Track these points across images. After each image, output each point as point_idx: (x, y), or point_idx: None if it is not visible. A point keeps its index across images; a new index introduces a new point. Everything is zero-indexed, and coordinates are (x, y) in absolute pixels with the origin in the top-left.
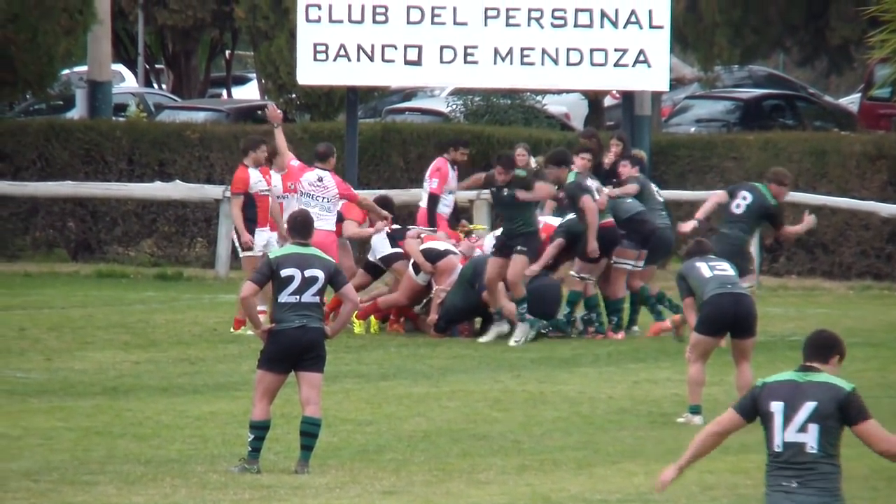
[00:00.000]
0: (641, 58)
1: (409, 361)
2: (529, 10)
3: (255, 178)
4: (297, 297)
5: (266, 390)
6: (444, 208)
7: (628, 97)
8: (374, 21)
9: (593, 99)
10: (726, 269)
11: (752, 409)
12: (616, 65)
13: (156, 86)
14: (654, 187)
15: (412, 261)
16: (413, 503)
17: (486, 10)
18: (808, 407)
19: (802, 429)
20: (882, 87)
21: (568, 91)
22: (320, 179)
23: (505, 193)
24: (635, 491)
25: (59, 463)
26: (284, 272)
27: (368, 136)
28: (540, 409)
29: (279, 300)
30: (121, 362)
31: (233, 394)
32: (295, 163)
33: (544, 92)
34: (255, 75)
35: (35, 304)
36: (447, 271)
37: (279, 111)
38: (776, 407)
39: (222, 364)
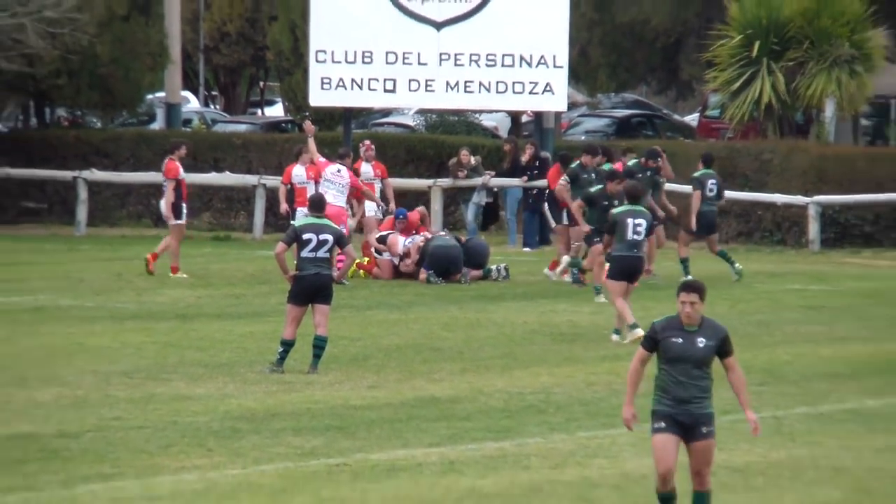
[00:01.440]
0: (547, 88)
1: (387, 297)
2: (470, 55)
3: (298, 172)
4: (314, 253)
5: (293, 318)
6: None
7: (538, 115)
8: (363, 62)
9: (514, 116)
10: (641, 231)
11: (653, 343)
12: (530, 93)
13: (211, 106)
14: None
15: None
16: (389, 395)
17: (441, 54)
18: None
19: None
20: (714, 109)
21: (497, 111)
22: (339, 171)
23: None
24: (542, 387)
25: (145, 366)
26: (305, 236)
27: (357, 142)
28: (476, 330)
29: (301, 255)
30: (188, 297)
31: (266, 319)
32: (322, 159)
33: (480, 111)
34: (280, 99)
35: (128, 257)
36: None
37: (313, 126)
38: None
39: (258, 299)
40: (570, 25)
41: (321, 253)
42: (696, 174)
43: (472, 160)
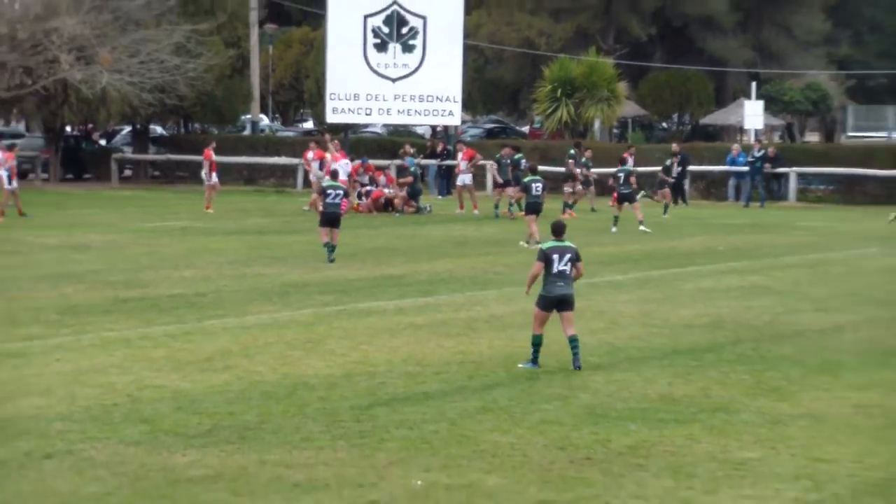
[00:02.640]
0: (450, 112)
1: (366, 222)
2: (410, 95)
3: (310, 157)
4: (332, 200)
5: (323, 233)
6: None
7: (445, 127)
8: (354, 99)
9: (433, 128)
10: (540, 189)
11: (545, 258)
12: (441, 115)
13: (275, 122)
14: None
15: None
16: (368, 274)
17: (395, 95)
18: (567, 254)
19: (564, 263)
20: (536, 124)
21: (423, 125)
22: (346, 163)
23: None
24: (448, 269)
25: (240, 259)
26: (328, 191)
27: (352, 142)
28: (414, 240)
29: (325, 200)
30: (263, 222)
31: (306, 234)
32: (337, 154)
33: (415, 125)
34: (311, 118)
35: (222, 200)
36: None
37: (335, 140)
38: (555, 256)
39: (302, 223)
40: (462, 79)
41: (335, 200)
42: (525, 179)
43: (411, 151)
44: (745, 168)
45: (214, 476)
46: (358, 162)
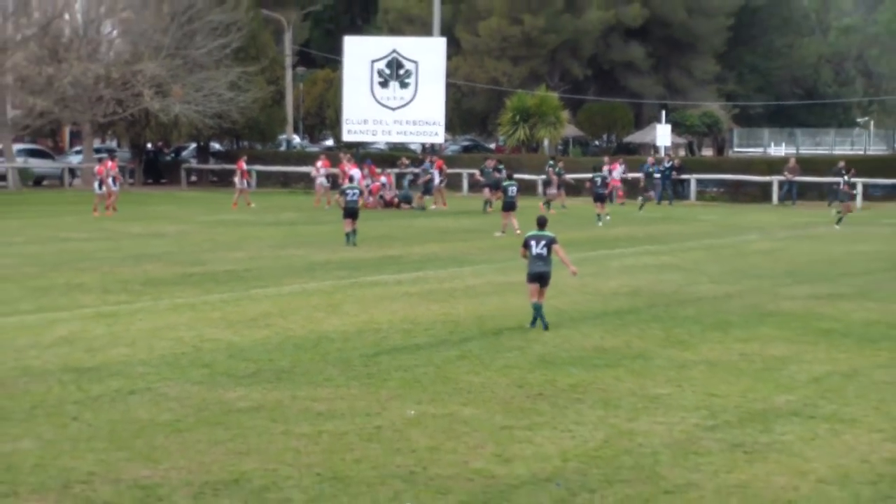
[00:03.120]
0: (436, 133)
1: (371, 216)
2: (406, 120)
3: (319, 167)
4: (352, 197)
5: (346, 223)
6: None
7: (432, 144)
8: (364, 123)
9: (423, 145)
10: (514, 191)
11: (526, 244)
12: (428, 135)
13: (305, 140)
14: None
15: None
16: (373, 255)
17: (394, 120)
18: (542, 241)
19: (541, 248)
20: (502, 142)
21: (415, 142)
22: (358, 171)
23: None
24: (432, 251)
25: (278, 243)
26: (348, 191)
27: (362, 155)
28: (407, 230)
29: (347, 198)
30: (294, 216)
31: (333, 225)
32: (350, 164)
33: (409, 142)
34: (331, 137)
35: (263, 199)
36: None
37: (348, 154)
38: (532, 242)
39: (330, 215)
40: (445, 108)
41: (354, 197)
42: (504, 183)
43: (406, 162)
44: (658, 175)
45: (258, 407)
46: (364, 164)
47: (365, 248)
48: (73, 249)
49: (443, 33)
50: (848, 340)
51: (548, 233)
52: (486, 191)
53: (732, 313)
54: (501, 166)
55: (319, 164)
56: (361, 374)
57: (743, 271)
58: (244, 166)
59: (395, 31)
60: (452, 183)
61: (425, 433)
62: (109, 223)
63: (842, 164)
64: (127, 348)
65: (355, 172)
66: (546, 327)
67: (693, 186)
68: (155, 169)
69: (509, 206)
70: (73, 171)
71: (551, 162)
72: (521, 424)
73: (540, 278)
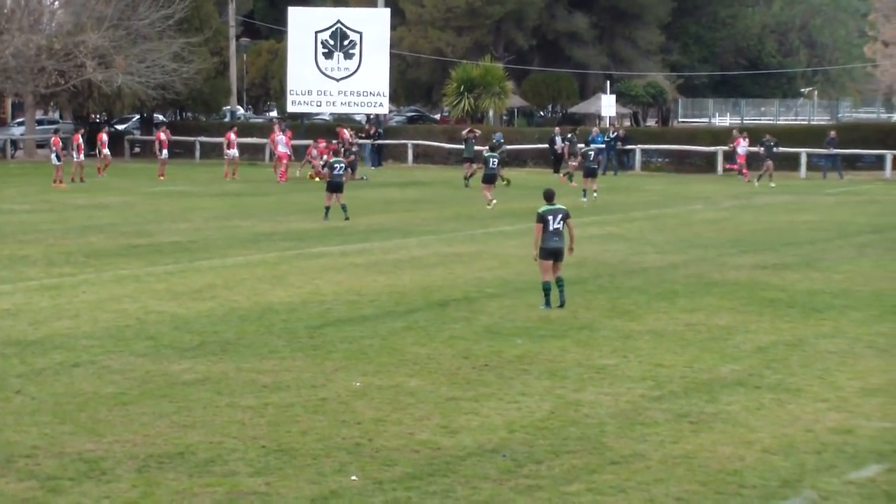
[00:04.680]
0: (380, 104)
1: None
2: (350, 91)
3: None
4: (338, 172)
5: (328, 198)
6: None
7: (377, 115)
8: (307, 94)
9: (367, 115)
10: (495, 162)
11: (542, 219)
12: (373, 106)
13: (249, 111)
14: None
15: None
16: (333, 228)
17: (338, 91)
18: (559, 215)
19: (558, 222)
20: (446, 112)
21: (360, 113)
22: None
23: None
24: (397, 221)
25: (222, 214)
26: (335, 165)
27: (308, 126)
28: (358, 201)
29: (333, 172)
30: (238, 186)
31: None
32: (281, 133)
33: (354, 113)
34: (275, 108)
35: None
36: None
37: (278, 121)
38: (550, 216)
39: (270, 186)
40: (389, 79)
41: (340, 171)
42: (485, 154)
43: (347, 134)
44: (603, 145)
45: (203, 380)
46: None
47: (310, 219)
48: (16, 221)
49: (387, 4)
50: (792, 310)
51: (560, 206)
52: (466, 164)
53: (678, 283)
54: (499, 137)
55: (232, 135)
56: (307, 345)
57: (688, 241)
58: (232, 137)
59: (339, 1)
60: (397, 154)
61: (371, 405)
62: (52, 195)
63: (767, 137)
64: (71, 321)
65: (281, 139)
66: (563, 304)
67: (638, 157)
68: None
69: (489, 179)
70: (14, 143)
71: (569, 135)
72: (468, 396)
73: (556, 254)
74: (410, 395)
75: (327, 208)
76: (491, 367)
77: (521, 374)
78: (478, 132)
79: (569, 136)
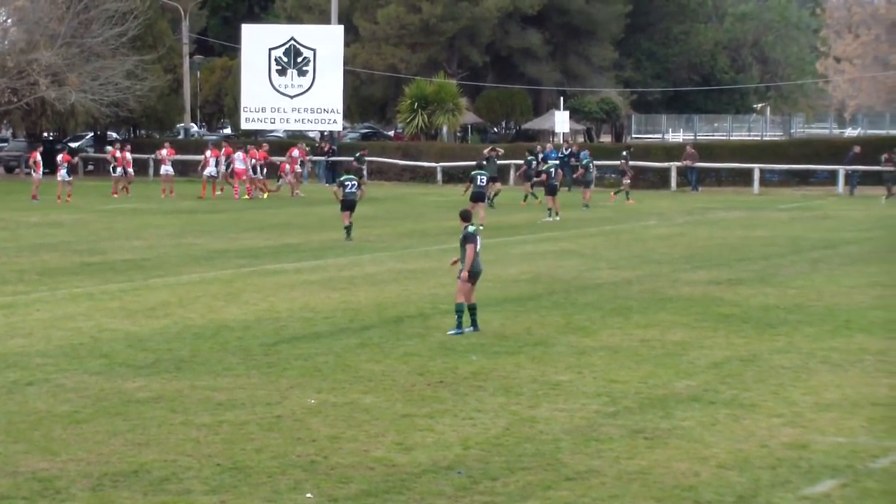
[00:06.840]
0: (334, 121)
1: (280, 203)
2: (304, 108)
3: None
4: (350, 189)
5: (343, 216)
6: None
7: (331, 132)
8: (261, 111)
9: (321, 132)
10: (484, 180)
11: (473, 239)
12: (327, 123)
13: (202, 128)
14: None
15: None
16: (303, 241)
17: (292, 108)
18: (478, 236)
19: (479, 244)
20: (400, 129)
21: (314, 130)
22: (239, 156)
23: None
24: (361, 233)
25: (181, 231)
26: (346, 182)
27: (257, 144)
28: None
29: (345, 190)
30: (192, 204)
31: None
32: (215, 148)
33: (308, 130)
34: (229, 125)
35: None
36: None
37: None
38: (478, 237)
39: (224, 203)
40: (343, 96)
41: (353, 189)
42: (473, 172)
43: (306, 147)
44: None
45: (157, 398)
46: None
47: (263, 236)
48: None
49: (341, 21)
50: (747, 326)
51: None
52: (489, 184)
53: (632, 299)
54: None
55: (164, 151)
56: (261, 363)
57: (642, 257)
58: (220, 154)
59: (293, 19)
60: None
61: (326, 422)
62: (4, 213)
63: (624, 152)
64: (24, 339)
65: (238, 155)
66: (477, 327)
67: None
68: (51, 158)
69: (477, 197)
70: None
71: (624, 153)
72: (422, 412)
73: (478, 276)
74: (365, 412)
75: (347, 228)
76: (446, 384)
77: (475, 390)
78: (501, 150)
79: (624, 153)
